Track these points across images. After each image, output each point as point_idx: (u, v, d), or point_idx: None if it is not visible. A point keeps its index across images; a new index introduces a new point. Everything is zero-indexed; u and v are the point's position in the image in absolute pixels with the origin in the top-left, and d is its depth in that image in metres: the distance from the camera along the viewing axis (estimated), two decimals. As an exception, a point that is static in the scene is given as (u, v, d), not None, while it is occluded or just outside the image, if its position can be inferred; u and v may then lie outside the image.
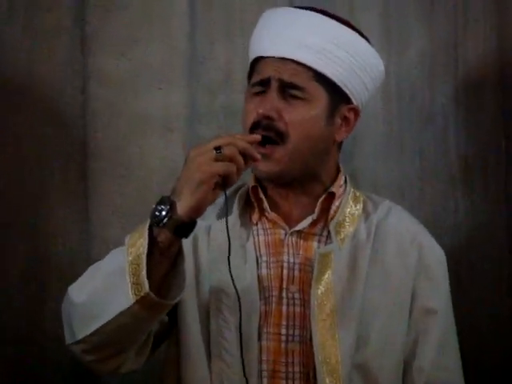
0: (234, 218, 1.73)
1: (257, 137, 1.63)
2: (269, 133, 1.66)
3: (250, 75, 1.75)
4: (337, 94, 1.72)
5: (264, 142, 1.65)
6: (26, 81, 2.16)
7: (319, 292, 1.68)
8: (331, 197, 1.75)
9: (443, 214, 2.25)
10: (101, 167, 2.18)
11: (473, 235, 2.25)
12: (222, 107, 2.19)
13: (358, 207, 1.77)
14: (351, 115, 1.75)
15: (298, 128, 1.68)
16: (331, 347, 1.66)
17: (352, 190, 1.79)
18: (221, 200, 1.68)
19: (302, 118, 1.68)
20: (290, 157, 1.68)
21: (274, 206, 1.75)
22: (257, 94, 1.71)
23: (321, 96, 1.70)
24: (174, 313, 1.70)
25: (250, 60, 1.76)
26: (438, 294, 1.74)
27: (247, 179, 1.78)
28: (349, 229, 1.74)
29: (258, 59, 1.73)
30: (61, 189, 2.16)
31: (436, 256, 1.78)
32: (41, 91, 2.16)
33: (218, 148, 1.53)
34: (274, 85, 1.68)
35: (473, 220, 2.25)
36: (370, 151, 2.24)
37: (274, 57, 1.70)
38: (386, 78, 2.22)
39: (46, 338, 2.13)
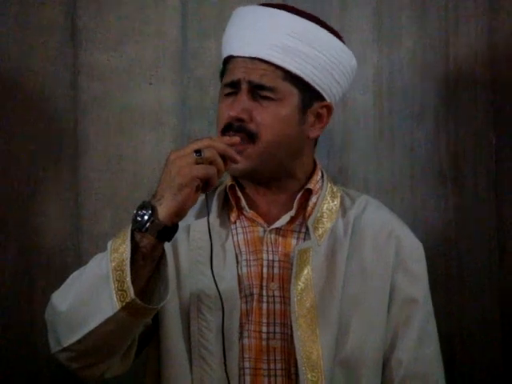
0: (212, 217, 1.73)
1: (236, 139, 1.63)
2: (240, 135, 1.66)
3: (223, 74, 1.75)
4: (308, 92, 1.72)
5: None
6: (17, 75, 2.15)
7: (299, 288, 1.68)
8: (308, 193, 1.76)
9: (434, 210, 2.25)
10: (92, 162, 2.17)
11: (463, 232, 2.25)
12: (213, 102, 2.18)
13: (335, 203, 1.78)
14: (324, 111, 1.75)
15: (270, 128, 1.68)
16: (312, 343, 1.66)
17: (329, 185, 1.79)
18: (199, 200, 1.68)
19: (273, 118, 1.69)
20: (260, 155, 1.68)
21: (252, 204, 1.75)
22: (229, 94, 1.71)
23: (291, 95, 1.70)
24: (156, 315, 1.69)
25: (222, 59, 1.77)
26: (417, 285, 1.75)
27: (225, 178, 1.78)
28: (326, 225, 1.74)
29: (229, 58, 1.73)
30: (52, 183, 2.16)
31: (414, 248, 1.78)
32: (31, 85, 2.16)
33: (197, 151, 1.54)
34: (244, 86, 1.69)
35: (463, 217, 2.25)
36: (361, 148, 2.24)
37: (243, 56, 1.70)
38: (377, 75, 2.25)
39: (36, 332, 2.13)
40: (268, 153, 1.69)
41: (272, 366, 1.69)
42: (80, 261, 2.15)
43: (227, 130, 1.68)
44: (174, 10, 2.20)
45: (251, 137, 1.68)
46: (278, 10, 1.73)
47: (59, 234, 2.16)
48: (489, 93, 2.26)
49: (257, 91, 1.69)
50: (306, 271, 1.70)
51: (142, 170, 2.18)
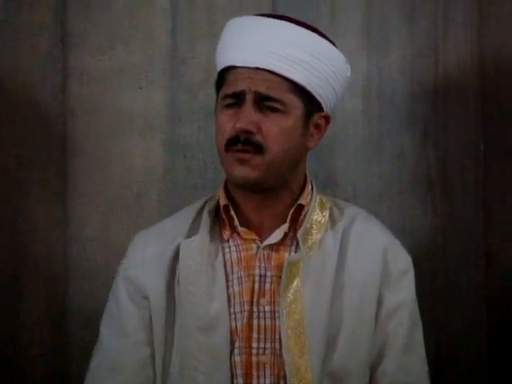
0: (203, 235, 1.72)
1: None
2: (247, 147, 1.65)
3: (219, 85, 1.72)
4: (311, 103, 1.71)
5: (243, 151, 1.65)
6: (6, 78, 2.14)
7: (288, 300, 1.68)
8: (300, 208, 1.75)
9: (421, 216, 2.26)
10: (80, 166, 2.17)
11: (451, 239, 2.26)
12: (202, 107, 2.18)
13: (324, 214, 1.77)
14: (322, 122, 1.74)
15: (276, 140, 1.66)
16: (301, 354, 1.66)
17: (318, 196, 1.79)
18: (186, 215, 1.74)
19: (280, 130, 1.67)
20: (267, 166, 1.67)
21: (245, 220, 1.74)
22: (229, 105, 1.68)
23: (296, 106, 1.68)
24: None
25: (219, 69, 1.73)
26: (403, 296, 1.75)
27: (216, 193, 1.78)
28: (316, 236, 1.73)
29: (229, 68, 1.70)
30: (40, 187, 2.15)
31: (400, 260, 1.77)
32: (20, 88, 2.15)
33: None
34: (250, 97, 1.66)
35: (451, 223, 2.26)
36: (349, 154, 2.25)
37: (247, 67, 1.67)
38: (366, 81, 2.25)
39: (22, 334, 2.13)
40: (273, 165, 1.67)
41: (262, 381, 1.68)
42: (67, 265, 2.16)
43: (233, 143, 1.66)
44: (164, 14, 2.20)
45: (259, 148, 1.66)
46: (278, 20, 1.71)
47: (47, 238, 2.15)
48: (478, 99, 2.27)
49: (263, 102, 1.66)
50: (295, 283, 1.69)
51: (130, 174, 2.17)
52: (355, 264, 1.73)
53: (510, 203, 2.26)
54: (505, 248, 2.26)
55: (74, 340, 2.14)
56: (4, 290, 2.14)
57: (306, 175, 1.79)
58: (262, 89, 1.66)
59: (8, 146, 2.14)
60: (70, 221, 2.16)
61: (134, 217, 2.14)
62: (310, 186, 1.78)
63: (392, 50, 2.26)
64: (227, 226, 1.74)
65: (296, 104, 1.68)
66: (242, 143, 1.65)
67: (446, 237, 2.26)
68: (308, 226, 1.74)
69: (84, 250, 2.15)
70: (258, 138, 1.66)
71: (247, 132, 1.65)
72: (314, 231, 1.74)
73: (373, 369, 1.73)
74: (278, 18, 1.71)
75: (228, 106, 1.68)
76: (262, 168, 1.67)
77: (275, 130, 1.66)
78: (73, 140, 2.16)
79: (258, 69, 1.66)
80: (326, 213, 1.77)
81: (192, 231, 1.73)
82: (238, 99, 1.67)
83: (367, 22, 2.25)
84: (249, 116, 1.65)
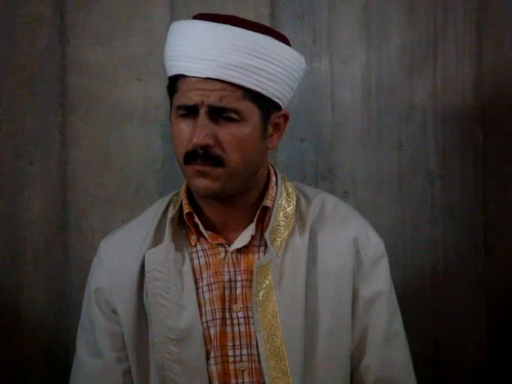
0: (167, 243, 1.70)
1: None
2: (207, 162, 1.62)
3: (172, 90, 1.67)
4: (267, 106, 1.66)
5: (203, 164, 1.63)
6: (5, 70, 2.15)
7: (260, 304, 1.65)
8: (266, 208, 1.72)
9: (420, 208, 2.25)
10: (80, 158, 2.17)
11: (450, 230, 2.25)
12: (201, 99, 2.18)
13: (291, 207, 1.73)
14: (281, 120, 1.71)
15: (236, 151, 1.63)
16: (279, 359, 1.65)
17: (283, 188, 1.75)
18: (150, 221, 1.72)
19: (238, 139, 1.63)
20: (228, 176, 1.64)
21: (211, 223, 1.72)
22: (184, 115, 1.64)
23: (253, 112, 1.64)
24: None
25: (169, 75, 1.69)
26: (378, 284, 1.72)
27: (178, 201, 1.76)
28: (284, 233, 1.70)
29: (179, 76, 1.64)
30: (40, 178, 2.16)
31: (372, 248, 1.75)
32: (19, 81, 2.15)
33: None
34: (203, 110, 1.61)
35: (449, 214, 2.25)
36: (348, 145, 2.24)
37: (198, 77, 1.61)
38: (365, 72, 2.25)
39: (21, 326, 2.13)
40: (235, 174, 1.64)
41: None
42: (67, 256, 2.16)
43: (192, 157, 1.63)
44: (163, 6, 2.20)
45: (218, 161, 1.63)
46: (223, 25, 1.63)
47: (46, 230, 2.16)
48: (477, 91, 2.26)
49: (218, 113, 1.62)
50: (266, 282, 1.67)
51: (130, 165, 2.17)
52: (326, 256, 1.71)
53: (509, 195, 2.26)
54: (504, 240, 2.26)
55: (73, 334, 2.14)
56: (3, 282, 2.14)
57: (269, 170, 1.76)
58: (215, 101, 1.61)
59: (7, 138, 2.14)
60: (69, 212, 2.16)
61: (133, 209, 2.14)
62: (274, 180, 1.75)
63: (391, 41, 2.25)
64: (193, 231, 1.72)
65: (252, 110, 1.64)
66: (201, 158, 1.62)
67: (444, 228, 2.25)
68: (275, 224, 1.71)
69: (84, 241, 2.15)
70: (217, 150, 1.62)
71: (205, 146, 1.61)
72: (281, 228, 1.71)
73: (355, 363, 1.71)
74: (222, 21, 1.65)
75: (182, 116, 1.64)
76: (224, 179, 1.63)
77: (233, 141, 1.62)
78: (72, 132, 2.17)
79: (208, 78, 1.61)
80: (293, 204, 1.74)
81: (156, 240, 1.71)
82: (191, 111, 1.63)
83: (366, 13, 2.24)
84: (204, 129, 1.61)
